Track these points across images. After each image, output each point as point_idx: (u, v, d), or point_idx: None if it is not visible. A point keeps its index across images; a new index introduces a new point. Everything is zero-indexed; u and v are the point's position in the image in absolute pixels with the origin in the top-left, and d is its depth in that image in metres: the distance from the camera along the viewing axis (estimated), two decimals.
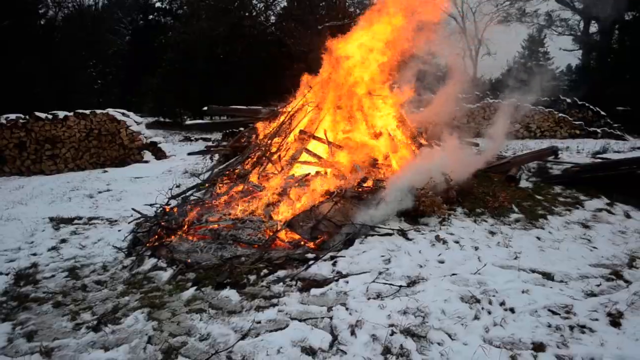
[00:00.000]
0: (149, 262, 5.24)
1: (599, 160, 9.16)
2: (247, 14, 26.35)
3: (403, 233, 5.47)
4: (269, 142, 7.94)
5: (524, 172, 8.24)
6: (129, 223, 6.52)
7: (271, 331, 3.76)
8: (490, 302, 4.12)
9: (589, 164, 8.25)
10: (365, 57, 8.43)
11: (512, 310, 4.01)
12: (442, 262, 4.89)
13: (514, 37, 32.58)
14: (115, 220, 6.83)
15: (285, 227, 5.44)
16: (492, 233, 5.68)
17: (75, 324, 4.09)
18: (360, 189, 6.06)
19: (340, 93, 8.27)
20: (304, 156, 7.64)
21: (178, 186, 8.15)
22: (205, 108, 9.54)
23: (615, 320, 3.83)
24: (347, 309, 4.00)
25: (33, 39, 33.66)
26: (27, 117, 11.39)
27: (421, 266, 4.77)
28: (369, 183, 6.21)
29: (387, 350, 3.44)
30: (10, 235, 6.28)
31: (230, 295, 4.40)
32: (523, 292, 4.29)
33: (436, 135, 8.82)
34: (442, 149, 7.35)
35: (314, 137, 7.80)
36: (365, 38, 8.49)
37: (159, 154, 12.18)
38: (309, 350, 3.48)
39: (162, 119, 30.02)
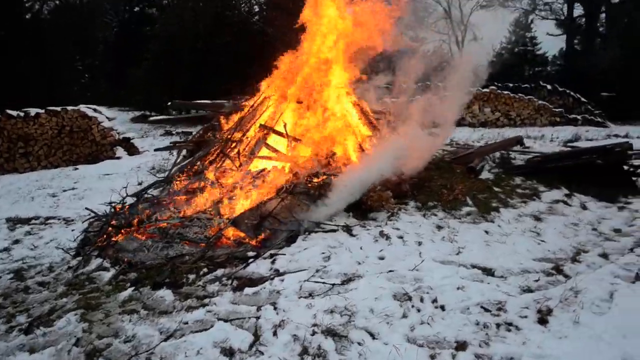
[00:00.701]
0: (95, 263, 5.24)
1: (562, 150, 9.14)
2: (230, 3, 26.08)
3: (348, 229, 5.46)
4: (228, 136, 7.90)
5: (487, 163, 8.22)
6: (83, 223, 6.51)
7: (196, 332, 3.75)
8: (421, 300, 4.11)
9: (550, 153, 8.22)
10: (328, 45, 8.40)
11: (442, 307, 4.00)
12: (382, 258, 4.89)
13: (501, 23, 32.51)
14: (72, 220, 6.82)
15: (230, 225, 5.42)
16: (439, 227, 5.68)
17: (10, 326, 4.09)
18: (310, 185, 6.04)
19: (300, 84, 8.23)
20: (264, 151, 7.63)
21: (140, 183, 8.13)
22: (169, 103, 9.49)
23: (543, 317, 3.81)
24: (275, 308, 4.00)
25: (19, 33, 33.47)
26: None
27: (359, 263, 4.77)
28: (321, 178, 6.19)
29: (304, 351, 3.44)
30: None
31: (165, 295, 4.40)
32: (458, 288, 4.28)
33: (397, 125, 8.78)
34: (396, 140, 7.28)
35: (274, 131, 7.77)
36: (329, 26, 8.44)
37: (132, 150, 12.15)
38: (228, 351, 3.48)
39: (148, 113, 29.89)
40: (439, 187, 7.07)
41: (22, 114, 11.44)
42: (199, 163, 7.70)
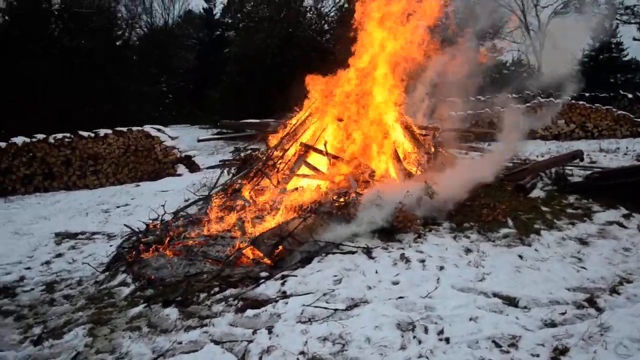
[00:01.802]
0: (119, 278, 5.41)
1: (628, 165, 8.28)
2: (300, 22, 26.61)
3: (367, 251, 5.23)
4: (269, 155, 7.95)
5: (540, 180, 7.62)
6: (121, 239, 6.78)
7: (186, 352, 3.72)
8: (426, 330, 3.82)
9: (610, 169, 7.46)
10: (376, 63, 8.26)
11: (447, 340, 3.68)
12: (396, 283, 4.62)
13: (583, 30, 30.42)
14: (115, 236, 7.13)
15: (250, 244, 5.39)
16: (468, 251, 5.29)
17: (24, 337, 4.30)
18: (336, 204, 5.89)
19: (342, 102, 8.13)
20: (304, 169, 7.59)
21: (186, 201, 8.35)
22: (218, 123, 9.75)
23: (556, 357, 3.41)
24: (270, 332, 3.88)
25: (110, 59, 36.17)
26: (72, 135, 12.24)
27: (370, 288, 4.53)
28: (346, 197, 6.02)
29: None
30: (17, 250, 6.75)
31: (171, 313, 4.42)
32: (471, 319, 3.94)
33: (447, 143, 8.43)
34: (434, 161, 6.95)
35: (314, 149, 7.71)
36: (377, 43, 8.30)
37: (193, 167, 12.62)
38: None
39: (224, 131, 31.04)
40: (481, 207, 6.63)
41: (92, 135, 12.29)
42: (239, 181, 7.80)
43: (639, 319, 3.80)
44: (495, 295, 4.38)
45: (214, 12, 42.61)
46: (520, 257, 5.16)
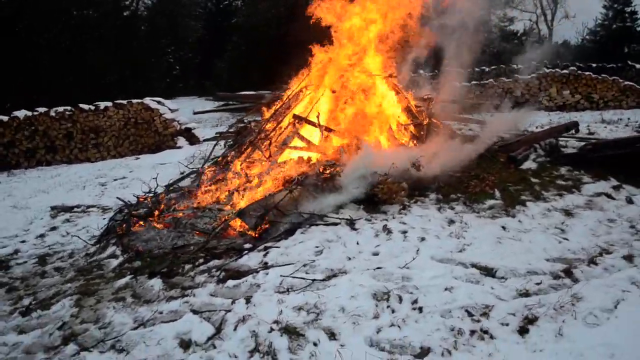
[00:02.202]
0: (109, 250, 5.52)
1: (624, 136, 8.18)
2: None
3: (351, 222, 5.28)
4: (261, 127, 7.96)
5: (534, 151, 7.56)
6: (114, 211, 6.88)
7: (165, 322, 3.82)
8: (400, 300, 3.88)
9: (603, 141, 7.39)
10: (368, 29, 8.16)
11: (420, 309, 3.74)
12: (376, 254, 4.67)
13: None
14: (110, 208, 7.24)
15: (236, 216, 5.46)
16: (452, 222, 5.32)
17: (14, 308, 4.43)
18: (323, 176, 5.92)
19: (335, 73, 8.08)
20: (297, 142, 7.59)
21: (182, 173, 8.42)
22: (213, 95, 9.75)
23: (524, 326, 3.46)
24: (248, 302, 3.96)
25: (118, 30, 36.09)
26: (72, 108, 12.30)
27: (350, 258, 4.59)
28: (333, 169, 6.04)
29: (256, 348, 3.39)
30: (14, 223, 6.89)
31: (155, 284, 4.52)
32: (446, 289, 3.99)
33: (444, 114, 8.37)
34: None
35: (307, 121, 7.69)
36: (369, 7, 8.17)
37: (193, 140, 12.66)
38: (186, 343, 3.51)
39: (230, 103, 30.99)
40: (470, 178, 6.63)
41: (92, 107, 12.35)
42: (231, 154, 7.83)
43: (612, 289, 3.82)
44: (473, 265, 4.42)
45: None
46: (503, 228, 5.18)
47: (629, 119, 11.88)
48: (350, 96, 7.88)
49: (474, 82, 16.45)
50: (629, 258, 4.40)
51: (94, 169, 10.72)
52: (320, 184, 5.70)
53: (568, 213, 5.54)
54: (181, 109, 24.28)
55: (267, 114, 8.45)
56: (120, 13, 38.32)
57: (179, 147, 12.32)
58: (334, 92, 7.98)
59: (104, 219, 6.69)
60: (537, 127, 10.76)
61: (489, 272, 4.32)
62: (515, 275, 4.27)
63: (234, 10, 38.49)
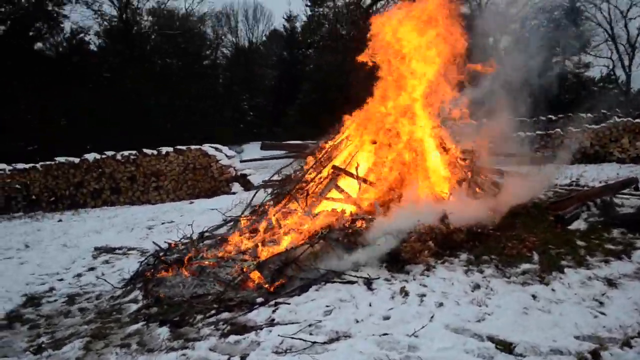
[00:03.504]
0: (132, 295, 5.65)
1: None
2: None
3: (368, 282, 5.06)
4: (301, 177, 7.98)
5: (586, 210, 7.01)
6: (148, 256, 7.07)
7: None
8: None
9: None
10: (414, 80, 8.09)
11: None
12: (387, 318, 4.43)
13: None
14: (147, 251, 7.45)
15: (255, 269, 5.42)
16: (477, 287, 4.96)
17: (30, 345, 4.60)
18: (348, 230, 5.78)
19: (380, 125, 8.02)
20: (333, 193, 7.54)
21: (225, 220, 8.56)
22: (261, 144, 9.99)
23: None
24: None
25: (200, 78, 38.45)
26: (137, 153, 13.06)
27: (358, 321, 4.38)
28: (359, 224, 5.89)
29: None
30: (59, 261, 7.27)
31: (163, 333, 4.53)
32: None
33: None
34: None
35: (345, 172, 7.64)
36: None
37: (248, 186, 12.96)
38: None
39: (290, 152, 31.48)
40: (510, 238, 6.24)
41: (155, 152, 13.05)
42: (269, 203, 7.88)
43: None
44: (489, 338, 4.06)
45: (297, 31, 43.53)
46: (534, 297, 4.76)
47: None
48: (391, 148, 7.76)
49: (538, 132, 15.73)
50: None
51: (150, 211, 11.19)
52: (343, 239, 5.56)
53: (611, 283, 5.01)
54: (247, 154, 25.16)
55: (309, 164, 8.48)
56: (201, 62, 40.94)
57: (233, 193, 12.63)
58: (374, 143, 7.91)
59: (139, 262, 6.89)
60: (599, 182, 10.02)
61: (505, 347, 3.95)
62: (536, 353, 3.87)
63: (306, 59, 39.72)
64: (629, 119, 14.83)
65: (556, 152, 13.75)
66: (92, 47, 33.39)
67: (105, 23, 32.20)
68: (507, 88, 8.49)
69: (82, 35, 30.45)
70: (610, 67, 33.05)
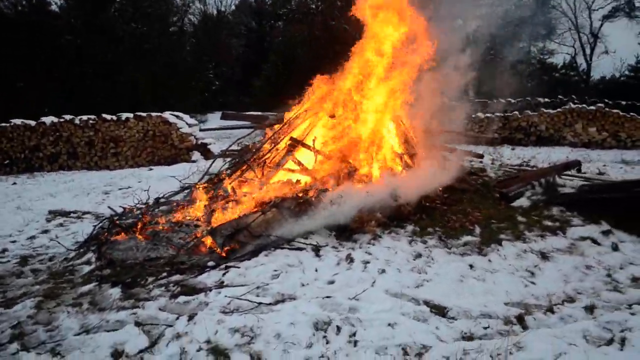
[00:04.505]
0: (86, 257, 5.69)
1: (614, 180, 7.87)
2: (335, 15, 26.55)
3: (316, 249, 5.29)
4: (258, 147, 8.09)
5: (531, 189, 7.38)
6: (103, 220, 7.10)
7: (108, 331, 3.92)
8: (338, 331, 3.85)
9: (600, 183, 7.13)
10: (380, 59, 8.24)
11: (355, 343, 3.71)
12: (331, 282, 4.66)
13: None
14: (103, 216, 7.46)
15: (207, 234, 5.56)
16: (419, 256, 5.24)
17: None
18: (300, 200, 5.95)
19: (337, 98, 8.18)
20: (290, 164, 7.68)
21: (182, 186, 8.61)
22: (221, 114, 10.01)
23: None
24: (189, 320, 4.00)
25: (166, 44, 37.53)
26: (96, 118, 12.83)
27: (303, 285, 4.60)
28: (311, 193, 6.08)
29: None
30: (11, 224, 7.20)
31: (114, 293, 4.63)
32: (389, 324, 3.93)
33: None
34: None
35: (302, 144, 7.78)
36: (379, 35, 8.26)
37: (208, 154, 12.96)
38: (118, 354, 3.59)
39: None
40: (456, 212, 6.55)
41: (114, 118, 12.85)
42: (226, 172, 7.98)
43: (559, 341, 3.68)
44: (425, 303, 4.35)
45: (266, 2, 42.86)
46: (471, 266, 5.08)
47: None
48: (349, 123, 7.93)
49: (497, 113, 16.20)
50: (590, 309, 4.23)
51: (107, 177, 11.09)
52: (294, 207, 5.73)
53: (544, 256, 5.38)
54: (211, 123, 24.92)
55: (268, 135, 8.59)
56: (167, 29, 39.94)
57: (193, 161, 12.61)
58: (332, 117, 8.06)
59: (94, 226, 6.91)
60: (549, 164, 10.49)
61: (440, 311, 4.24)
62: (467, 316, 4.18)
63: (273, 30, 39.31)
64: (584, 105, 15.43)
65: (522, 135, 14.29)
66: (54, 7, 32.16)
67: None
68: (470, 70, 8.72)
69: None
70: (573, 55, 33.96)
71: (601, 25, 31.75)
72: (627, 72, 30.00)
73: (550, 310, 4.27)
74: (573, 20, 32.91)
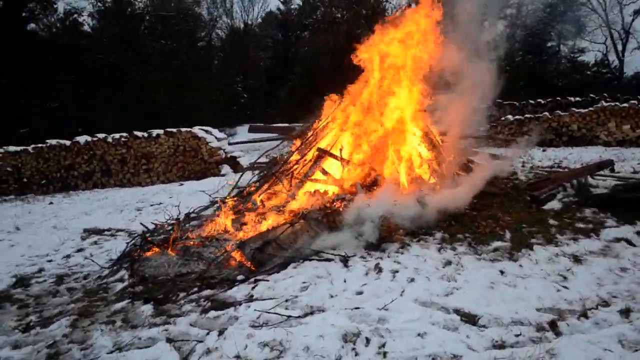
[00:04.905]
0: (119, 274, 5.83)
1: None
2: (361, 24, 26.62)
3: (344, 259, 5.28)
4: (286, 159, 8.15)
5: (563, 191, 7.22)
6: (135, 237, 7.25)
7: (140, 348, 4.00)
8: (367, 343, 3.83)
9: (634, 182, 6.90)
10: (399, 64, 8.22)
11: (384, 354, 3.69)
12: (360, 293, 4.64)
13: None
14: (136, 233, 7.63)
15: (237, 248, 5.62)
16: (448, 263, 5.18)
17: (19, 324, 4.79)
18: (327, 211, 5.97)
19: (362, 107, 8.19)
20: (318, 174, 7.71)
21: (212, 201, 8.74)
22: (249, 127, 10.13)
23: None
24: (220, 334, 4.05)
25: (194, 59, 38.37)
26: (128, 135, 13.17)
27: (332, 296, 4.59)
28: (337, 204, 6.08)
29: None
30: (48, 243, 7.42)
31: (146, 310, 4.73)
32: (419, 334, 3.90)
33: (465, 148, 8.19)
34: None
35: (329, 154, 7.80)
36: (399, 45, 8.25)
37: (237, 168, 13.11)
38: None
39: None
40: (487, 217, 6.45)
41: (145, 135, 13.16)
42: (256, 184, 8.06)
43: (593, 347, 3.59)
44: (456, 311, 4.29)
45: (292, 13, 43.27)
46: (501, 272, 4.98)
47: None
48: (374, 129, 7.92)
49: (527, 115, 15.90)
50: (626, 312, 4.10)
51: (140, 193, 11.34)
52: (322, 218, 5.75)
53: (577, 259, 5.23)
54: (240, 136, 25.23)
55: (295, 146, 8.65)
56: (195, 44, 40.78)
57: (223, 175, 12.79)
58: (359, 125, 8.06)
59: (126, 243, 7.06)
60: (582, 164, 10.23)
61: (470, 319, 4.17)
62: (498, 324, 4.10)
63: (299, 41, 39.65)
64: (617, 103, 15.01)
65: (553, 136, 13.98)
66: (86, 28, 33.27)
67: (99, 4, 32.00)
68: (498, 73, 8.60)
69: (75, 16, 30.34)
70: (604, 52, 33.14)
71: (633, 20, 30.98)
72: None
73: (584, 315, 4.15)
74: (603, 16, 32.13)
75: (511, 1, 30.50)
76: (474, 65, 8.40)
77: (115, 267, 6.05)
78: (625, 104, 14.81)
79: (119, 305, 4.91)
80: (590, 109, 15.28)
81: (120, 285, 5.49)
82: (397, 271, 5.00)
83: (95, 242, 7.33)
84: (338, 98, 8.82)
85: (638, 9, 29.97)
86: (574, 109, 15.72)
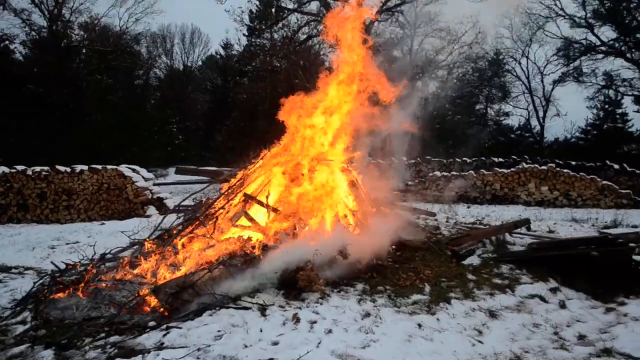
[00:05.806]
0: (22, 316, 5.40)
1: (560, 237, 8.14)
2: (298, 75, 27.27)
3: (262, 308, 5.17)
4: (211, 203, 8.01)
5: (482, 247, 7.51)
6: (44, 277, 6.80)
7: None
8: None
9: (547, 241, 7.33)
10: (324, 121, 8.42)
11: None
12: (275, 343, 4.52)
13: (583, 99, 30.92)
14: (45, 272, 7.15)
15: (151, 292, 5.37)
16: (367, 315, 5.18)
17: None
18: (248, 258, 5.86)
19: (290, 155, 8.27)
20: (243, 220, 7.60)
21: (132, 242, 8.38)
22: (175, 168, 9.95)
23: None
24: None
25: (130, 97, 37.70)
26: (49, 169, 12.53)
27: (246, 346, 4.45)
28: (257, 251, 6.00)
29: None
30: None
31: (47, 356, 4.39)
32: None
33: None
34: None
35: (255, 201, 7.75)
36: (325, 103, 8.49)
37: (163, 209, 12.74)
38: None
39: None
40: (408, 270, 6.57)
41: (68, 170, 12.58)
42: (178, 228, 7.83)
43: None
44: None
45: (232, 59, 43.66)
46: (419, 326, 5.03)
47: (596, 219, 11.85)
48: (301, 179, 8.00)
49: (453, 172, 16.64)
50: None
51: (57, 231, 10.72)
52: (242, 265, 5.64)
53: (493, 314, 5.39)
54: (173, 177, 24.65)
55: (222, 190, 8.53)
56: (132, 82, 40.20)
57: (148, 216, 12.36)
58: (284, 173, 8.11)
59: (34, 282, 6.59)
60: (501, 222, 10.73)
61: None
62: None
63: (238, 87, 39.99)
64: (536, 165, 16.03)
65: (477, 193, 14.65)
66: (18, 55, 32.08)
67: (34, 33, 31.09)
68: (427, 131, 9.01)
69: (7, 42, 29.24)
70: (527, 117, 35.67)
71: (552, 89, 33.63)
72: (577, 134, 31.64)
73: None
74: (527, 83, 34.73)
75: (442, 63, 32.49)
76: (400, 122, 8.78)
77: (18, 308, 5.61)
78: (544, 167, 15.84)
79: (16, 350, 4.54)
80: (512, 169, 16.22)
81: (21, 328, 5.08)
82: (315, 322, 4.94)
83: (0, 281, 6.79)
84: (270, 145, 8.87)
85: (557, 79, 32.66)
86: (497, 168, 16.62)
